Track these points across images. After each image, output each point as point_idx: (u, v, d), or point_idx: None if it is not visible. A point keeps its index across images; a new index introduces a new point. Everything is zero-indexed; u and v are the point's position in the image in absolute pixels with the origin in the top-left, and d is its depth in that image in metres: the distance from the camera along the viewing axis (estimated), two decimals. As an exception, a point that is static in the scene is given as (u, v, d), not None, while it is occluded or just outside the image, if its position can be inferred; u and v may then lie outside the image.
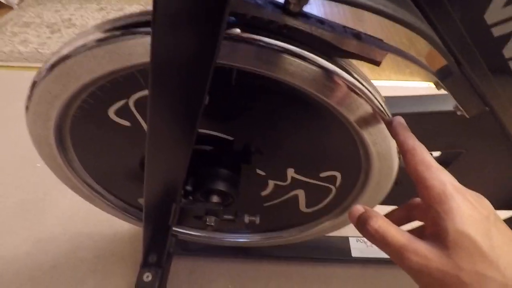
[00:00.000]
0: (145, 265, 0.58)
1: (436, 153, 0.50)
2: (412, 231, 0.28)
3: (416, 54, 1.35)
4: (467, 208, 0.22)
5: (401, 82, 1.23)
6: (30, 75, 0.35)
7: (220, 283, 0.69)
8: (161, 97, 0.29)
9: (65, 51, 0.31)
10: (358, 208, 0.27)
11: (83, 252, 0.74)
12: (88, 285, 0.69)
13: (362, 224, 0.26)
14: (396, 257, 0.24)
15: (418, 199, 0.29)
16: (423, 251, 0.22)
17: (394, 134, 0.30)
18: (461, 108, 0.33)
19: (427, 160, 0.25)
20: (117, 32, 0.29)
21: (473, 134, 0.40)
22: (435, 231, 0.23)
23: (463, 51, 0.27)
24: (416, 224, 0.29)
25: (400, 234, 0.24)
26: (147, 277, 0.58)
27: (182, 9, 0.22)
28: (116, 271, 0.71)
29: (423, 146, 0.27)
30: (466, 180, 0.44)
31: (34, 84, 0.35)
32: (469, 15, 0.24)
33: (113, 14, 1.58)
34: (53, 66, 0.32)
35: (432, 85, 0.33)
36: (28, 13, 1.57)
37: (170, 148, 0.34)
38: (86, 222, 0.78)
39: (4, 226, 0.78)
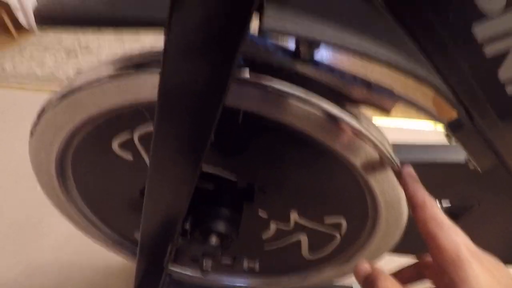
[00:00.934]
0: (135, 305, 0.54)
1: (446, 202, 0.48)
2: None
3: (423, 95, 1.35)
4: (484, 277, 0.21)
5: (408, 121, 1.23)
6: (43, 97, 0.35)
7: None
8: (166, 134, 0.28)
9: (76, 84, 0.32)
10: (365, 267, 0.25)
11: (73, 285, 0.70)
12: (74, 321, 0.65)
13: (369, 286, 0.24)
14: None
15: (428, 258, 0.27)
16: None
17: (403, 185, 0.29)
18: (473, 162, 0.32)
19: (439, 217, 0.24)
20: (129, 70, 0.29)
21: (487, 187, 0.38)
22: None
23: (475, 106, 0.26)
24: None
25: None
26: (136, 317, 0.54)
27: (194, 46, 0.21)
28: (104, 307, 0.67)
29: (434, 201, 0.25)
30: (477, 233, 0.42)
31: (42, 111, 0.35)
32: (482, 72, 0.24)
33: (129, 44, 1.65)
34: (63, 97, 0.33)
35: (439, 128, 0.33)
36: (48, 38, 1.65)
37: (172, 186, 0.33)
38: (79, 252, 0.76)
39: (-4, 247, 0.76)
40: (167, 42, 0.21)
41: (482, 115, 0.27)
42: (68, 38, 1.65)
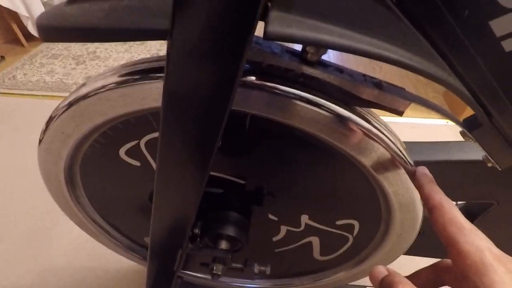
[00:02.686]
0: (147, 309, 0.55)
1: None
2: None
3: (434, 91, 1.33)
4: (511, 282, 0.19)
5: (419, 119, 1.20)
6: (53, 104, 0.35)
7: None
8: (172, 141, 0.28)
9: (82, 91, 0.32)
10: (381, 270, 0.24)
11: (86, 288, 0.71)
12: (87, 325, 0.66)
13: None
14: None
15: (448, 261, 0.26)
16: None
17: (418, 186, 0.28)
18: (492, 160, 0.31)
19: (458, 219, 0.23)
20: (134, 77, 0.29)
21: (506, 185, 0.36)
22: None
23: (493, 103, 0.25)
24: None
25: None
26: (148, 321, 0.54)
27: (197, 54, 0.21)
28: (117, 310, 0.68)
29: (451, 202, 0.24)
30: (497, 233, 0.40)
31: (50, 119, 0.35)
32: (500, 67, 0.23)
33: (136, 48, 1.66)
34: (70, 105, 0.33)
35: (450, 122, 0.31)
36: (57, 45, 1.68)
37: (180, 192, 0.33)
38: (91, 256, 0.77)
39: (10, 253, 0.77)
40: (170, 51, 0.21)
41: (500, 111, 0.26)
42: (76, 45, 1.68)
